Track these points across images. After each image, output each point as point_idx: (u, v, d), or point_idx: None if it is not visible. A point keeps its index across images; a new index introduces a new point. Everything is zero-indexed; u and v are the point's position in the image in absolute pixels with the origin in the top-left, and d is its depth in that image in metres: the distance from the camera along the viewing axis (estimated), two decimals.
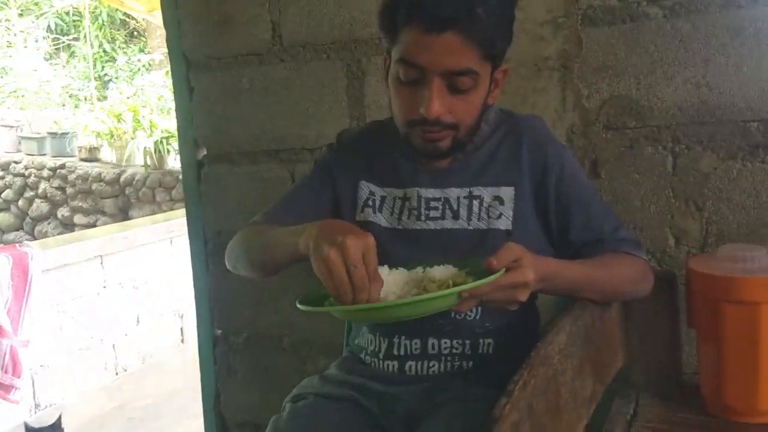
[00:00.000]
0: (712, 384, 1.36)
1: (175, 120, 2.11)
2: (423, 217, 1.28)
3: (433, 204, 1.28)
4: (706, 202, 1.51)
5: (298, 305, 1.03)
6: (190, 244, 2.15)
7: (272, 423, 1.27)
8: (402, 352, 1.26)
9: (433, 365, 1.24)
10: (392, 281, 1.02)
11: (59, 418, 2.73)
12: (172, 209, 7.22)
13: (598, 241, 1.27)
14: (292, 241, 1.08)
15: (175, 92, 2.08)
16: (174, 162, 7.29)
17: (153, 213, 7.03)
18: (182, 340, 4.67)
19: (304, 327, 2.00)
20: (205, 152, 2.08)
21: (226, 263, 1.35)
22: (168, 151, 7.42)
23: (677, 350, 1.48)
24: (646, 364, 1.47)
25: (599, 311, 1.26)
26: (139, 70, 9.97)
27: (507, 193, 1.26)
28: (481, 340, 1.24)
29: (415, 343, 1.25)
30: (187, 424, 3.14)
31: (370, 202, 1.32)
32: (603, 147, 1.58)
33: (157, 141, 7.08)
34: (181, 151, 2.13)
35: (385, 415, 1.23)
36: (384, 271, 1.03)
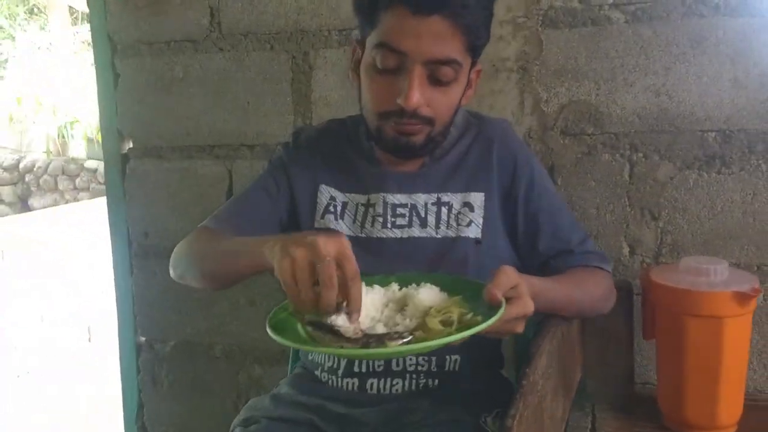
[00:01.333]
0: (671, 397, 1.34)
1: (98, 109, 1.94)
2: (389, 225, 1.19)
3: (399, 210, 1.20)
4: (662, 212, 1.50)
5: (274, 336, 0.88)
6: (112, 244, 1.98)
7: None
8: (363, 370, 1.17)
9: (397, 383, 1.16)
10: (370, 303, 0.92)
11: None
12: (76, 199, 6.89)
13: (567, 253, 1.22)
14: (257, 250, 0.96)
15: (97, 78, 1.91)
16: (79, 149, 6.91)
17: (55, 202, 6.68)
18: (89, 339, 4.41)
19: (237, 334, 1.88)
20: (131, 145, 1.92)
21: (171, 272, 1.22)
22: (72, 137, 7.05)
23: (633, 361, 1.47)
24: (603, 375, 1.45)
25: (566, 326, 1.22)
26: (39, 48, 9.39)
27: (477, 199, 1.20)
28: (447, 357, 1.17)
29: (378, 360, 1.16)
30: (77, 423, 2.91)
31: (332, 208, 1.22)
32: (560, 153, 1.55)
33: (61, 126, 6.69)
34: (104, 143, 1.96)
35: None
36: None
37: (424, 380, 1.16)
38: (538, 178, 1.24)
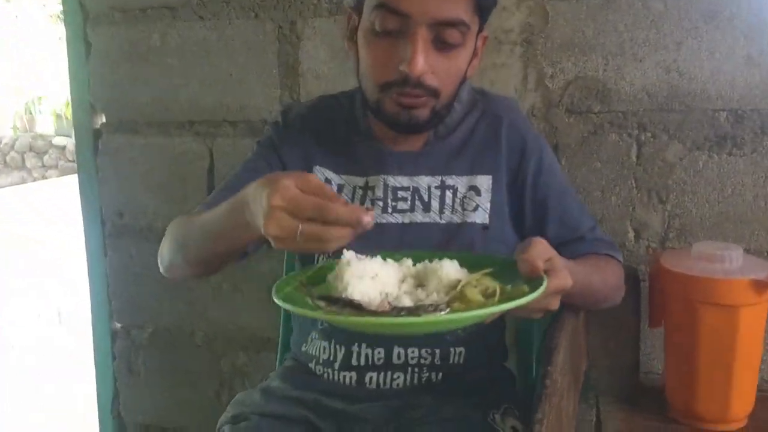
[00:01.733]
0: (680, 388, 1.28)
1: (68, 81, 1.82)
2: (389, 209, 1.10)
3: (401, 194, 1.11)
4: (670, 195, 1.43)
5: (290, 307, 0.79)
6: (84, 224, 1.87)
7: None
8: (362, 362, 1.08)
9: (398, 377, 1.08)
10: (385, 277, 0.83)
11: None
12: (44, 177, 6.70)
13: (577, 240, 1.15)
14: (242, 221, 0.85)
15: (68, 48, 1.79)
16: (47, 125, 6.71)
17: (23, 180, 6.49)
18: (60, 321, 4.28)
19: (220, 320, 1.79)
20: (104, 120, 1.81)
21: (160, 267, 1.12)
22: (40, 112, 6.85)
23: (639, 351, 1.41)
24: (608, 366, 1.38)
25: (575, 317, 1.14)
26: (5, 21, 9.08)
27: (484, 182, 1.12)
28: (452, 349, 1.09)
29: (378, 352, 1.08)
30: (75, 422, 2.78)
31: None
32: (565, 132, 1.47)
33: (28, 102, 6.49)
34: (75, 118, 1.84)
35: None
36: (376, 262, 0.84)
37: (427, 374, 1.08)
38: (547, 161, 1.16)
